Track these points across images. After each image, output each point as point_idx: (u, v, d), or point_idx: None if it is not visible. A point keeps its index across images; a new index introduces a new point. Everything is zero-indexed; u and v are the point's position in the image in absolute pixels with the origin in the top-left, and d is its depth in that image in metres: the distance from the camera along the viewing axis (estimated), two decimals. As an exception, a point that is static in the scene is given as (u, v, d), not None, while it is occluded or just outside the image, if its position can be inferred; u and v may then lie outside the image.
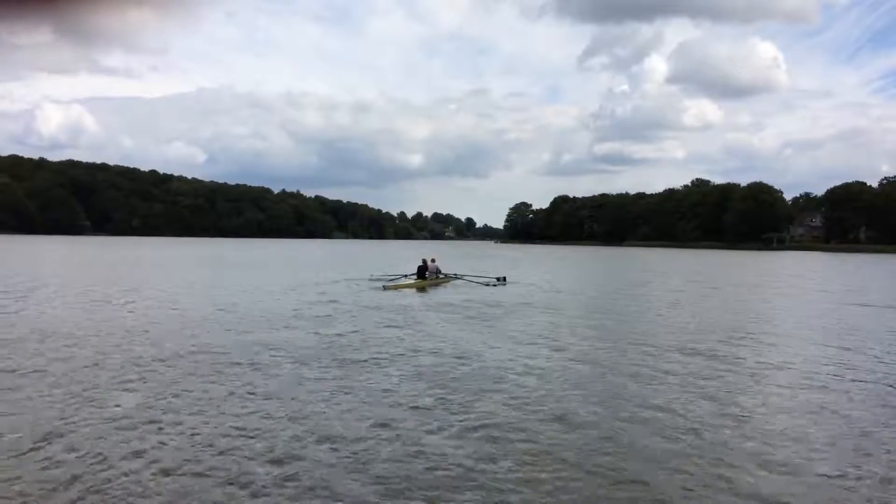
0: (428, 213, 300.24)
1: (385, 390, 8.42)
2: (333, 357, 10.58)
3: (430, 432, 6.68)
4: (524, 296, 22.53)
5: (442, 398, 8.05)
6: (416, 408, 7.59)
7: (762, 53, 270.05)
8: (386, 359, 10.57)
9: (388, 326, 14.30)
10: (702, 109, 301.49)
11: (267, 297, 20.26)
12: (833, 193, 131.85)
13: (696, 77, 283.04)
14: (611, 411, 7.61)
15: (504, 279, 27.36)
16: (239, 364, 9.87)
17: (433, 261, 27.59)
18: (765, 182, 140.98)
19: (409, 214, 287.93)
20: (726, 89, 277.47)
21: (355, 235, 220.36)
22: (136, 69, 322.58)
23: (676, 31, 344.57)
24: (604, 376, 9.59)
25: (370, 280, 25.43)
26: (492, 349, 11.72)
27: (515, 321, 15.70)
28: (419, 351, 11.37)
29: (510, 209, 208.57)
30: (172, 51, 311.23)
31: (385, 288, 24.06)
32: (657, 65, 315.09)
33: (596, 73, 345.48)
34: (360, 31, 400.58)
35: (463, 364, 10.25)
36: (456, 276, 27.94)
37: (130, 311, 16.08)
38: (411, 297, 21.45)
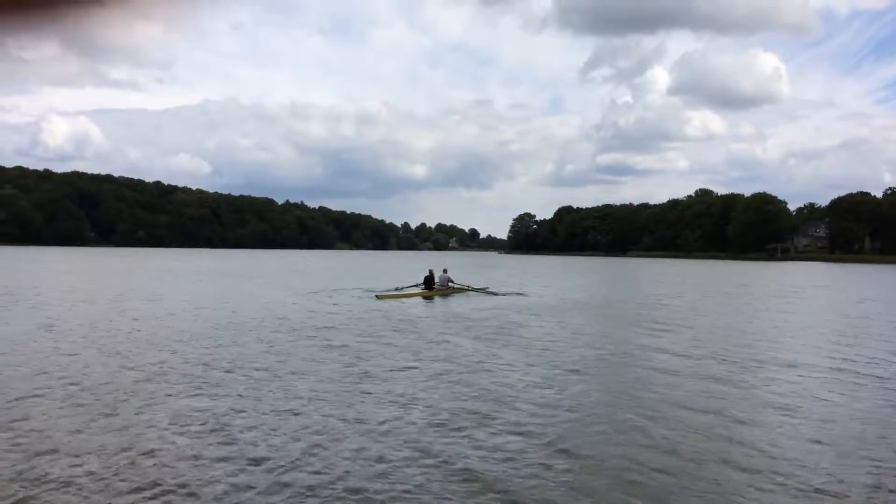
0: (432, 223, 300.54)
1: (403, 401, 8.51)
2: (350, 368, 10.67)
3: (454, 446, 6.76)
4: (543, 306, 22.47)
5: (465, 411, 8.12)
6: (435, 419, 7.67)
7: (764, 64, 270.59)
8: (398, 370, 10.65)
9: (398, 337, 14.39)
10: (704, 120, 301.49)
11: (287, 306, 20.34)
12: (837, 204, 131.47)
13: (699, 88, 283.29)
14: (628, 423, 7.68)
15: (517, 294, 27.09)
16: (247, 374, 9.98)
17: (445, 271, 27.40)
18: (769, 192, 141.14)
19: (413, 225, 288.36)
20: (729, 100, 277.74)
21: (359, 246, 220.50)
22: (142, 82, 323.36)
23: (678, 43, 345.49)
24: (626, 387, 9.66)
25: (395, 291, 25.40)
26: (509, 361, 11.78)
27: (534, 332, 15.76)
28: (433, 363, 11.45)
29: (514, 220, 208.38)
30: (178, 63, 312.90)
31: (378, 297, 23.79)
32: (660, 76, 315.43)
33: (598, 85, 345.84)
34: (363, 43, 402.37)
35: (486, 376, 10.33)
36: (469, 288, 27.50)
37: (147, 320, 16.19)
38: (421, 308, 21.47)
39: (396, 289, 25.89)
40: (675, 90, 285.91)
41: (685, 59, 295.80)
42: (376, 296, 24.25)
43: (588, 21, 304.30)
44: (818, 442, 6.98)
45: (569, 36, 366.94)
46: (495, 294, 26.81)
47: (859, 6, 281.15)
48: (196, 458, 6.08)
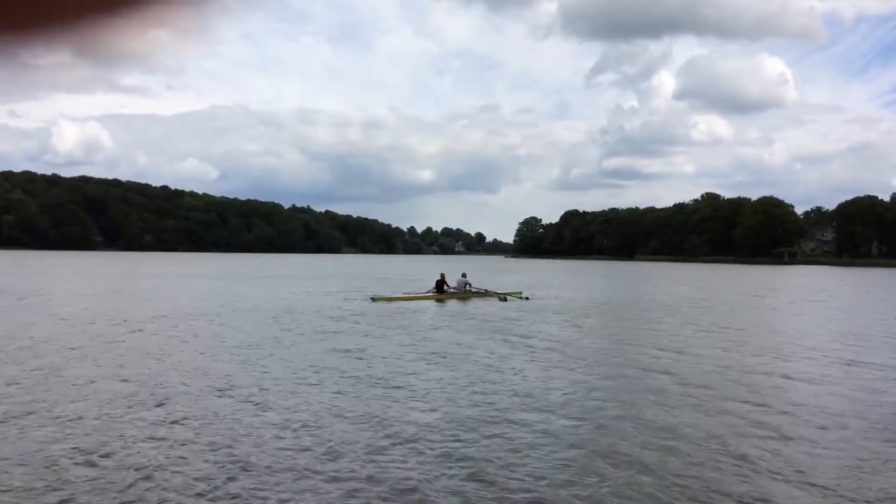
0: (438, 227, 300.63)
1: (414, 408, 8.58)
2: (361, 375, 10.75)
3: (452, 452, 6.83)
4: (556, 310, 22.39)
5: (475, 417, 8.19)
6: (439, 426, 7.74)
7: (770, 69, 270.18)
8: (407, 376, 10.72)
9: (421, 341, 14.43)
10: (711, 124, 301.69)
11: (305, 309, 20.43)
12: (844, 208, 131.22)
13: (705, 93, 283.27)
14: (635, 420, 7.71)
15: (527, 298, 26.73)
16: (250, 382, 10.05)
17: (464, 275, 27.12)
18: (775, 196, 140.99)
19: (419, 229, 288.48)
20: (735, 105, 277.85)
21: (365, 250, 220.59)
22: (153, 88, 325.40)
23: (684, 48, 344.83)
24: (636, 390, 9.69)
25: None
26: (525, 366, 11.83)
27: (554, 336, 15.80)
28: (444, 368, 11.51)
29: (520, 224, 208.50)
30: (188, 70, 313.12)
31: (373, 300, 23.55)
32: (665, 81, 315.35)
33: (604, 90, 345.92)
34: (370, 50, 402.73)
35: (501, 381, 10.39)
36: (486, 292, 26.78)
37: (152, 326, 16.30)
38: (431, 311, 21.41)
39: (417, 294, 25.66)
40: (680, 95, 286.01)
41: (691, 63, 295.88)
42: (371, 298, 23.85)
43: (593, 27, 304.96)
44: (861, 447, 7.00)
45: (574, 42, 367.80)
46: (518, 298, 26.33)
47: (865, 11, 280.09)
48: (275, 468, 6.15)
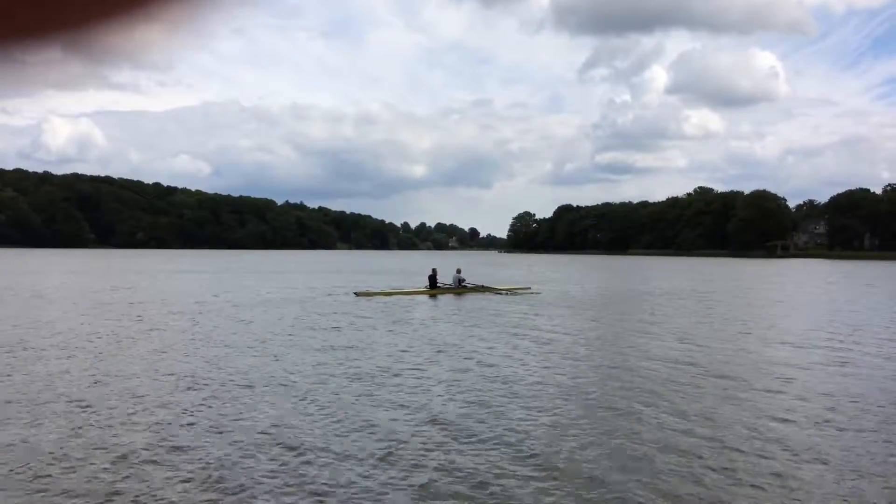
0: (431, 223, 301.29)
1: (413, 402, 8.54)
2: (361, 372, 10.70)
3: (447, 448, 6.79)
4: (562, 304, 22.37)
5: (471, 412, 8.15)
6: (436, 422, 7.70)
7: (761, 63, 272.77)
8: (403, 371, 10.69)
9: (396, 334, 14.40)
10: (703, 118, 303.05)
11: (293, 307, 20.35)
12: (836, 201, 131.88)
13: (697, 87, 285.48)
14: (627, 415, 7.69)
15: (537, 293, 26.69)
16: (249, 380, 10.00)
17: (458, 271, 26.88)
18: (768, 190, 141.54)
19: (413, 225, 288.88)
20: (727, 98, 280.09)
21: (359, 246, 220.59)
22: (144, 84, 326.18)
23: (676, 43, 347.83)
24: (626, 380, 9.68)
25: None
26: (517, 360, 11.80)
27: (557, 330, 15.77)
28: (442, 363, 11.49)
29: (513, 218, 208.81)
30: (179, 66, 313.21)
31: (357, 294, 23.52)
32: (657, 75, 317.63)
33: (597, 84, 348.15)
34: (363, 45, 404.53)
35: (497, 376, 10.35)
36: (484, 288, 26.39)
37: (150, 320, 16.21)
38: (425, 306, 21.33)
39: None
40: (672, 89, 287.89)
41: (683, 58, 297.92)
42: (355, 293, 23.71)
43: (585, 22, 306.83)
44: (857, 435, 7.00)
45: (566, 36, 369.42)
46: (531, 293, 26.24)
47: (855, 4, 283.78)
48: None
